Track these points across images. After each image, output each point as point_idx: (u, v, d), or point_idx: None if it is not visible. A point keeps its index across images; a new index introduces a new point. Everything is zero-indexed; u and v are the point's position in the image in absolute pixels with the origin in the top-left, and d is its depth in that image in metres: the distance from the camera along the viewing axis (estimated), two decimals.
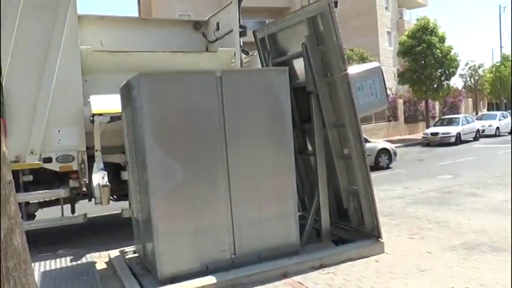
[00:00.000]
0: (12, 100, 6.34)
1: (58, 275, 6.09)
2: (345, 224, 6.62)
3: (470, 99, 46.74)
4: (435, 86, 29.84)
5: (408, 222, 7.63)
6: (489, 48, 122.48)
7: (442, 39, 29.64)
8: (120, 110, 6.15)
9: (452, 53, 29.55)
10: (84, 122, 6.87)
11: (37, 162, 6.69)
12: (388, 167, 16.15)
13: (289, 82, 5.66)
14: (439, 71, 29.47)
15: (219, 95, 5.24)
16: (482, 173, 13.07)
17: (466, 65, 45.90)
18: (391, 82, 34.59)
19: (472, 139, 26.47)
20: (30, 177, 6.91)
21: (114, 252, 6.41)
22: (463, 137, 25.29)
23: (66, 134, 6.83)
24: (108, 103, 6.51)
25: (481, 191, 10.18)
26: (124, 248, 6.42)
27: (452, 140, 24.43)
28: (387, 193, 10.58)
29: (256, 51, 7.61)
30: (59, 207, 7.17)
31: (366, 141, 15.16)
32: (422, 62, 29.31)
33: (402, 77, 31.22)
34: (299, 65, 6.44)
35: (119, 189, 7.23)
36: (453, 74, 30.51)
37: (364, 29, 40.30)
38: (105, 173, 6.42)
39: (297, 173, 6.05)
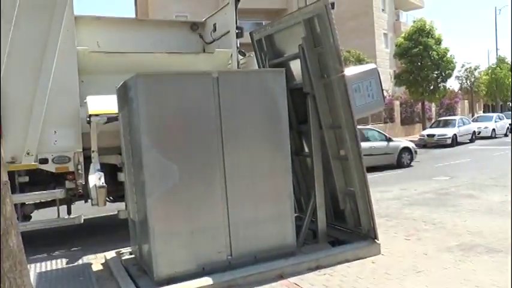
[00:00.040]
0: (8, 101, 6.32)
1: (54, 276, 6.07)
2: (341, 225, 6.63)
3: (466, 101, 46.87)
4: (431, 87, 29.96)
5: (404, 224, 7.64)
6: (485, 50, 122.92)
7: (439, 41, 29.77)
8: (117, 111, 6.14)
9: (448, 55, 29.68)
10: (80, 122, 6.85)
11: (33, 163, 6.65)
12: (409, 165, 16.81)
13: (285, 83, 5.67)
14: (436, 72, 29.60)
15: (215, 96, 5.24)
16: (478, 175, 13.11)
17: (462, 67, 46.09)
18: (388, 84, 34.62)
19: (468, 141, 26.56)
20: (26, 178, 6.88)
21: (111, 254, 6.39)
22: (459, 139, 25.38)
23: (62, 135, 6.80)
24: (105, 104, 6.49)
25: (477, 192, 10.21)
26: (120, 249, 6.41)
27: (449, 141, 24.50)
28: (383, 194, 10.60)
29: (253, 53, 7.61)
30: (55, 208, 7.14)
31: (390, 140, 16.96)
32: (419, 63, 29.42)
33: (399, 79, 31.33)
34: (296, 66, 6.45)
35: (115, 190, 7.21)
36: (449, 75, 30.64)
37: (360, 30, 40.37)
38: (102, 174, 6.40)
39: (293, 174, 6.05)
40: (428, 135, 25.17)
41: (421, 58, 29.26)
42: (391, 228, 7.37)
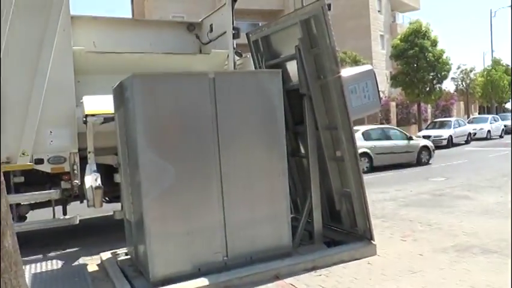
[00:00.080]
0: (4, 100, 6.29)
1: (49, 277, 6.05)
2: (337, 226, 6.63)
3: (462, 103, 47.02)
4: (427, 89, 30.04)
5: (400, 225, 7.66)
6: (480, 52, 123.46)
7: (434, 43, 29.86)
8: (113, 111, 6.12)
9: (444, 57, 29.78)
10: (76, 123, 6.83)
11: (28, 163, 6.64)
12: (428, 163, 17.41)
13: (282, 84, 5.67)
14: (431, 74, 29.69)
15: (212, 96, 5.23)
16: (473, 176, 13.15)
17: (457, 69, 46.25)
18: (384, 85, 34.77)
19: (463, 142, 26.67)
20: (22, 179, 6.85)
21: (106, 254, 6.37)
22: (454, 140, 25.48)
23: (58, 135, 6.78)
24: (101, 104, 6.45)
25: (472, 193, 10.24)
26: (116, 250, 6.39)
27: (444, 142, 24.61)
28: (379, 195, 10.62)
29: (250, 53, 7.61)
30: (51, 208, 7.12)
31: (410, 138, 17.55)
32: (415, 65, 29.49)
33: (395, 80, 31.40)
34: (292, 67, 6.45)
35: (111, 190, 7.19)
36: (445, 77, 30.74)
37: (357, 32, 40.49)
38: (98, 175, 6.36)
39: (289, 175, 6.05)
40: (424, 136, 25.18)
41: (417, 60, 29.35)
42: (387, 229, 7.39)
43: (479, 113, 53.90)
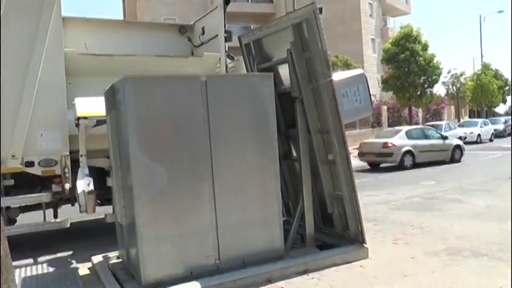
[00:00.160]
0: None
1: (40, 281, 6.00)
2: (329, 229, 6.64)
3: (452, 107, 47.37)
4: (418, 93, 30.24)
5: (392, 228, 7.68)
6: (470, 56, 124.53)
7: (425, 47, 30.08)
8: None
9: (435, 61, 29.99)
10: (68, 125, 6.78)
11: (19, 166, 6.58)
12: (459, 160, 18.79)
13: (274, 88, 5.68)
14: (422, 78, 29.90)
15: (204, 99, 5.22)
16: (464, 179, 13.25)
17: (448, 73, 46.62)
18: (375, 89, 34.92)
19: None
20: (12, 181, 6.79)
21: (98, 258, 6.33)
22: None
23: (49, 138, 6.72)
24: (93, 106, 6.36)
25: (463, 196, 10.30)
26: (107, 254, 6.35)
27: None
28: (371, 198, 10.65)
29: (242, 57, 7.61)
30: (41, 211, 7.06)
31: (445, 138, 19.06)
32: (406, 69, 29.69)
33: (386, 84, 31.58)
34: (284, 70, 6.46)
35: (103, 193, 7.15)
36: (436, 81, 30.97)
37: (348, 35, 40.68)
38: (91, 179, 6.28)
39: (281, 178, 6.05)
40: None
41: (408, 64, 29.54)
42: (378, 232, 7.40)
43: (469, 117, 54.26)
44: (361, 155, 18.47)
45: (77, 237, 8.26)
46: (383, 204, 9.99)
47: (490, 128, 33.08)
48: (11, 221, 7.19)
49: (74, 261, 6.73)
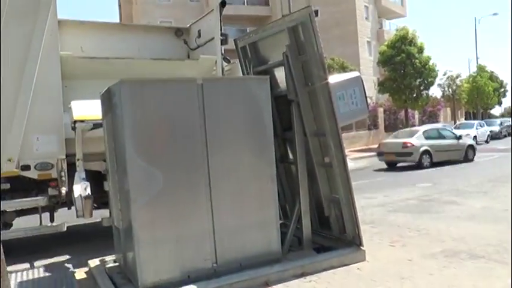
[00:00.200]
0: None
1: (36, 286, 5.99)
2: (326, 232, 6.63)
3: (448, 109, 47.50)
4: (414, 95, 30.30)
5: (389, 230, 7.68)
6: (465, 58, 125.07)
7: (421, 50, 30.15)
8: None
9: (430, 63, 30.06)
10: (64, 128, 6.76)
11: (15, 169, 6.56)
12: (472, 160, 19.45)
13: (270, 91, 5.68)
14: (418, 80, 29.96)
15: (200, 102, 5.22)
16: (460, 181, 13.27)
17: (444, 75, 46.72)
18: (372, 91, 35.02)
19: None
20: (7, 185, 6.76)
21: (94, 262, 6.29)
22: None
23: (45, 141, 6.70)
24: (90, 109, 6.34)
25: (459, 198, 10.31)
26: (104, 257, 6.32)
27: None
28: (368, 201, 10.65)
29: (238, 59, 7.61)
30: (37, 215, 7.03)
31: (459, 138, 19.66)
32: (402, 71, 29.74)
33: (382, 86, 31.63)
34: (280, 73, 6.46)
35: (99, 197, 7.13)
36: (432, 83, 31.03)
37: (344, 38, 40.77)
38: (88, 183, 6.23)
39: (278, 181, 6.06)
40: None
41: (404, 66, 29.60)
42: (375, 234, 7.41)
43: (465, 119, 54.52)
44: (380, 154, 19.34)
45: (74, 241, 8.23)
46: (380, 206, 9.99)
47: (486, 130, 33.20)
48: (7, 225, 7.15)
49: (70, 266, 6.71)
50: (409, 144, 18.04)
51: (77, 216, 6.28)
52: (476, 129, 31.74)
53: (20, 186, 6.88)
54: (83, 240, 8.31)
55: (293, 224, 6.25)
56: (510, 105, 44.88)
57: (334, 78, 7.13)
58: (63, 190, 6.77)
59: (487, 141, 31.90)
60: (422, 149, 17.96)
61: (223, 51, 8.14)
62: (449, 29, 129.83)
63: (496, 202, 9.57)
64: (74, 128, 6.38)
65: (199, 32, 8.65)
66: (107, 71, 7.08)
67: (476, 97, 46.87)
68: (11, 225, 7.30)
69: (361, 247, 6.06)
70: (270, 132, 5.64)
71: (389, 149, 18.84)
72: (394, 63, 29.74)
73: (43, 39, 6.38)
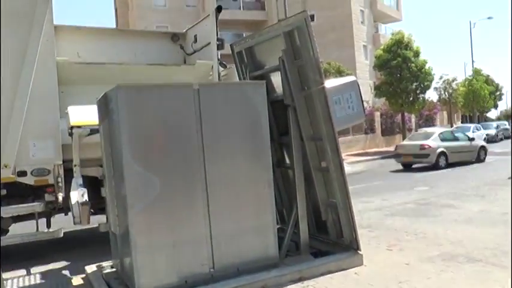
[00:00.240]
0: None
1: None
2: (323, 236, 6.63)
3: (445, 112, 47.59)
4: (411, 99, 30.30)
5: (386, 234, 7.68)
6: (461, 62, 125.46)
7: (417, 53, 30.17)
8: None
9: (426, 67, 30.09)
10: (60, 134, 6.74)
11: (11, 175, 6.53)
12: (484, 160, 20.19)
13: (266, 95, 5.69)
14: (415, 84, 29.96)
15: (196, 107, 5.22)
16: (457, 184, 13.29)
17: (440, 79, 46.80)
18: (368, 95, 35.02)
19: None
20: (4, 191, 6.73)
21: (91, 267, 6.28)
22: None
23: (41, 147, 6.67)
24: (86, 114, 6.32)
25: (457, 202, 10.32)
26: (101, 263, 6.31)
27: None
28: (365, 205, 10.65)
29: (234, 64, 7.62)
30: (34, 221, 7.00)
31: (472, 139, 20.58)
32: (398, 75, 29.75)
33: (379, 90, 31.64)
34: (276, 78, 6.47)
35: (96, 202, 7.10)
36: (428, 87, 31.05)
37: (340, 42, 40.83)
38: (85, 190, 6.20)
39: (275, 185, 6.04)
40: None
41: (400, 70, 29.62)
42: (373, 239, 7.40)
43: (462, 122, 54.65)
44: (397, 156, 20.15)
45: (71, 246, 8.20)
46: (377, 210, 9.99)
47: (482, 133, 33.27)
48: (3, 231, 7.12)
49: (67, 272, 6.68)
50: (426, 146, 18.71)
51: (74, 223, 6.21)
52: (473, 132, 31.79)
53: (17, 192, 6.85)
54: (80, 246, 8.29)
55: (290, 228, 6.25)
56: (508, 108, 45.01)
57: (330, 83, 7.15)
58: (60, 196, 6.73)
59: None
60: (439, 150, 18.65)
61: (219, 56, 8.14)
62: (444, 32, 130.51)
63: (493, 205, 9.59)
64: (70, 134, 6.37)
65: (195, 37, 8.65)
66: (104, 76, 7.08)
67: (472, 100, 46.97)
68: (7, 231, 7.27)
69: (359, 251, 6.06)
70: (266, 137, 5.64)
71: (406, 150, 19.49)
72: (390, 67, 29.76)
73: (39, 44, 6.37)
